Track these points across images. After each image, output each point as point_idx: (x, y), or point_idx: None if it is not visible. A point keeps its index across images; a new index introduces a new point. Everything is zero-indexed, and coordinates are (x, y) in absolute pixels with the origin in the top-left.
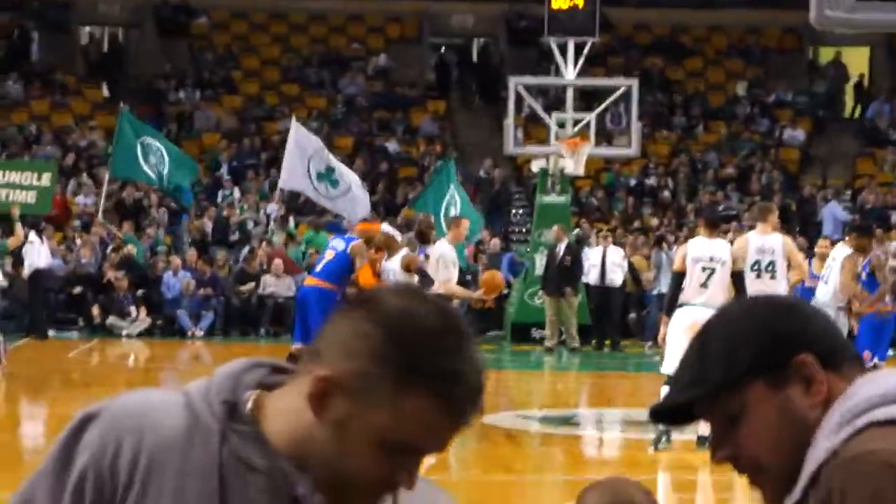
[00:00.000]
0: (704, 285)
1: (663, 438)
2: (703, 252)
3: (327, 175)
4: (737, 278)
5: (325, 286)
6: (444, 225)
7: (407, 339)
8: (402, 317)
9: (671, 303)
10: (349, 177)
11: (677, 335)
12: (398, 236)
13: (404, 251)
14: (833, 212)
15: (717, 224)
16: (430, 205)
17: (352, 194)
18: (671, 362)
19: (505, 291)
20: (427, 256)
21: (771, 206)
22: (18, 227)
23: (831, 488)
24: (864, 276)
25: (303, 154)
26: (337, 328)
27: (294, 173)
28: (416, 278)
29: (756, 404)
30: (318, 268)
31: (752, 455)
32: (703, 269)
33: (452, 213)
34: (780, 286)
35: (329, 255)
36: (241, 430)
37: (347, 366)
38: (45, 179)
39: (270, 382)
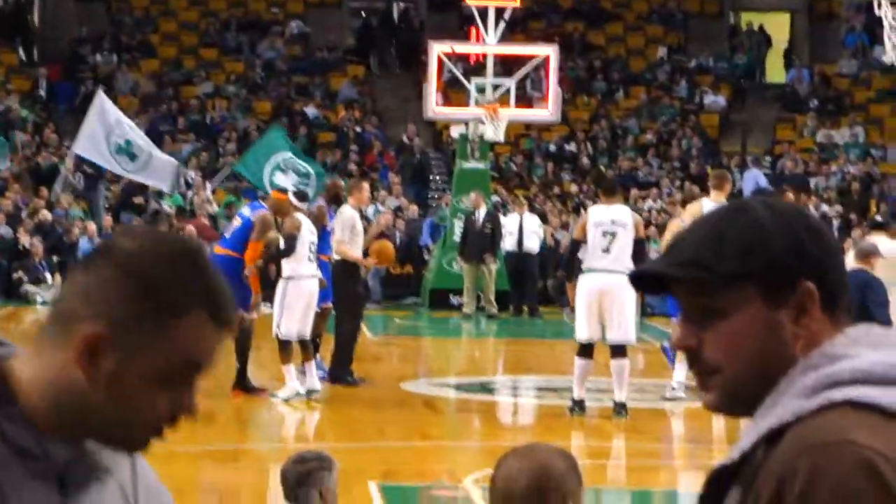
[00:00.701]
0: (607, 250)
1: (577, 408)
2: (603, 216)
3: (126, 148)
4: (638, 246)
5: (231, 254)
6: (268, 187)
7: (152, 273)
8: (141, 254)
9: (570, 269)
10: (147, 147)
11: (584, 300)
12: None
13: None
14: (755, 178)
15: (615, 190)
16: (251, 169)
17: (151, 167)
18: (582, 328)
19: (427, 258)
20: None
21: (726, 174)
22: None
23: (794, 471)
24: None
25: (103, 125)
26: (81, 284)
27: (92, 142)
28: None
29: (742, 310)
30: (227, 235)
31: (715, 356)
32: (605, 233)
33: (281, 179)
34: None
35: (236, 222)
36: (9, 413)
37: (105, 318)
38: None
39: None
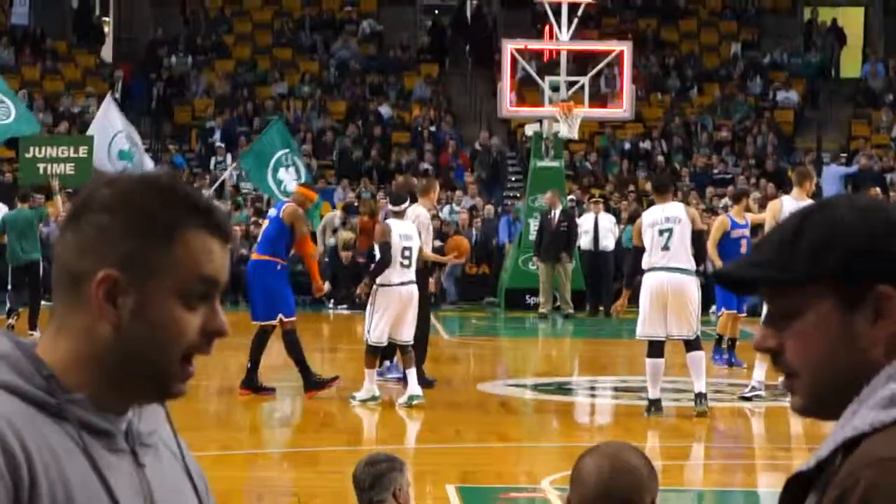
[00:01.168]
0: (665, 247)
1: (653, 407)
2: (656, 216)
3: (129, 155)
4: (697, 238)
5: (262, 258)
6: (273, 188)
7: (140, 204)
8: (124, 192)
9: (630, 277)
10: (145, 161)
11: (647, 298)
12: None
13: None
14: (835, 172)
15: (667, 188)
16: (253, 165)
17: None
18: (643, 327)
19: (502, 258)
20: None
21: (808, 171)
22: (58, 198)
23: (856, 482)
24: None
25: (108, 129)
26: (73, 246)
27: (97, 145)
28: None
29: (816, 311)
30: (259, 238)
31: (792, 358)
32: (661, 231)
33: (283, 175)
34: None
35: (264, 224)
36: (77, 400)
37: (110, 261)
38: (82, 152)
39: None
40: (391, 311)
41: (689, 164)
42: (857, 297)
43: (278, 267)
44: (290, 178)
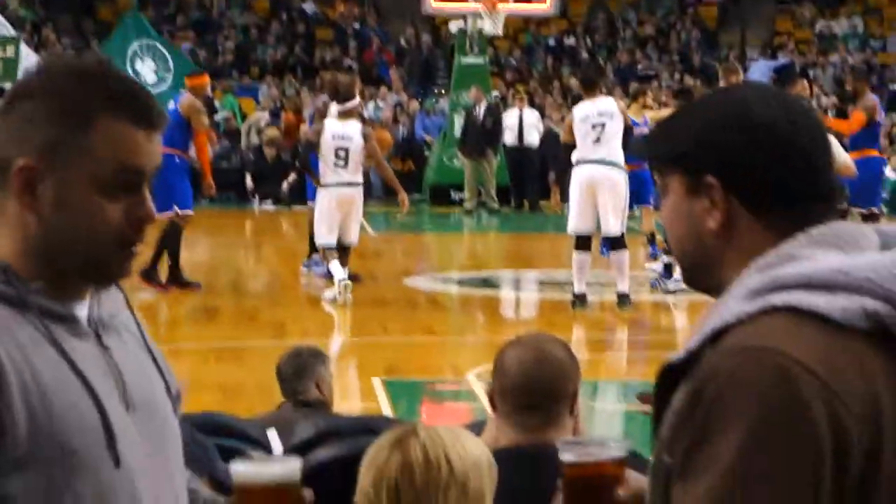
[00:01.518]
0: (597, 141)
1: (578, 301)
2: (588, 111)
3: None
4: (625, 134)
5: (167, 151)
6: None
7: (59, 89)
8: (49, 77)
9: (561, 172)
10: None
11: (577, 193)
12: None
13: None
14: (764, 66)
15: (595, 84)
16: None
17: None
18: (575, 220)
19: (426, 154)
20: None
21: (735, 67)
22: None
23: (715, 372)
24: None
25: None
26: (4, 130)
27: None
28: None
29: (673, 193)
30: None
31: (665, 227)
32: (593, 126)
33: (140, 67)
34: None
35: None
36: (35, 289)
37: (29, 149)
38: (9, 52)
39: None
40: (328, 211)
41: (613, 59)
42: (695, 184)
43: (177, 160)
44: (148, 70)
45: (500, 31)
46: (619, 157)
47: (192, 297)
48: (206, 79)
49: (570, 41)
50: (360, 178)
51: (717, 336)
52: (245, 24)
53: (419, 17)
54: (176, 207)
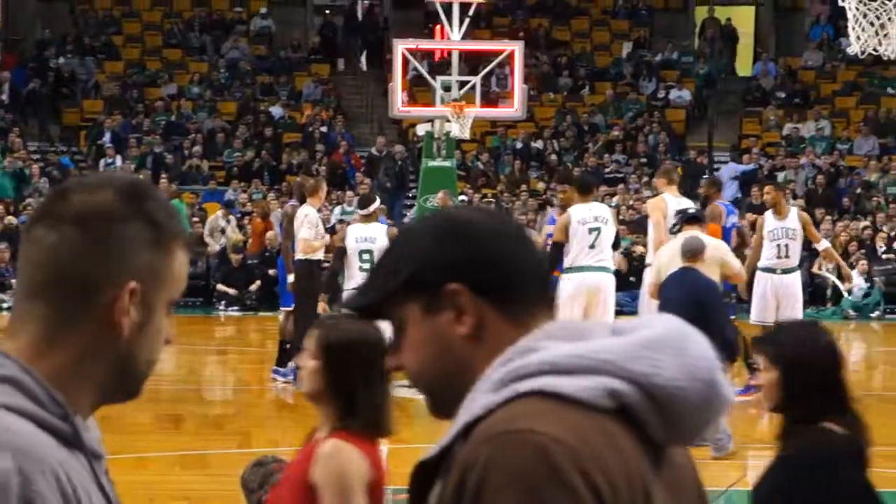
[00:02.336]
0: (592, 246)
1: None
2: (585, 214)
3: None
4: (616, 240)
5: None
6: None
7: (155, 212)
8: (134, 200)
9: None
10: None
11: (570, 299)
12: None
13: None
14: (734, 169)
15: (591, 188)
16: None
17: None
18: None
19: None
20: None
21: (669, 168)
22: None
23: (475, 460)
24: None
25: None
26: (82, 248)
27: None
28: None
29: (410, 322)
30: None
31: (407, 367)
32: (590, 230)
33: None
34: None
35: None
36: (80, 424)
37: (133, 268)
38: None
39: None
40: None
41: (580, 163)
42: (436, 301)
43: None
44: None
45: (467, 135)
46: (610, 261)
47: (157, 405)
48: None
49: (537, 144)
50: None
51: (468, 430)
52: (212, 127)
53: (386, 120)
54: None
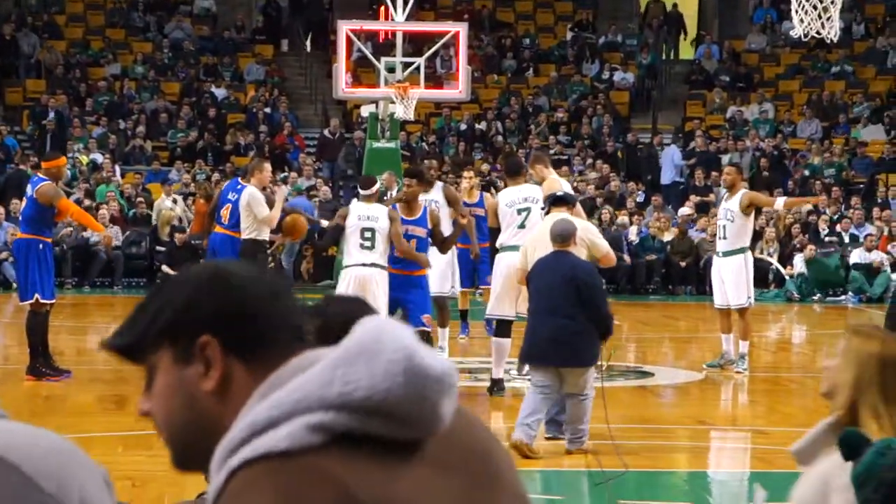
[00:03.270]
0: (522, 226)
1: (496, 387)
2: (513, 196)
3: None
4: None
5: (26, 237)
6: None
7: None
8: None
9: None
10: None
11: (504, 278)
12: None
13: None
14: (672, 155)
15: (520, 171)
16: None
17: None
18: (496, 306)
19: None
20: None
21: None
22: None
23: None
24: None
25: None
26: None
27: None
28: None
29: (161, 370)
30: (21, 220)
31: (154, 415)
32: (519, 210)
33: None
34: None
35: (23, 203)
36: None
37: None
38: None
39: None
40: (350, 291)
41: (525, 145)
42: (187, 352)
43: (41, 246)
44: None
45: (411, 116)
46: None
47: (100, 385)
48: (63, 161)
49: (481, 126)
50: (384, 261)
51: None
52: (155, 108)
53: (330, 101)
54: (37, 295)
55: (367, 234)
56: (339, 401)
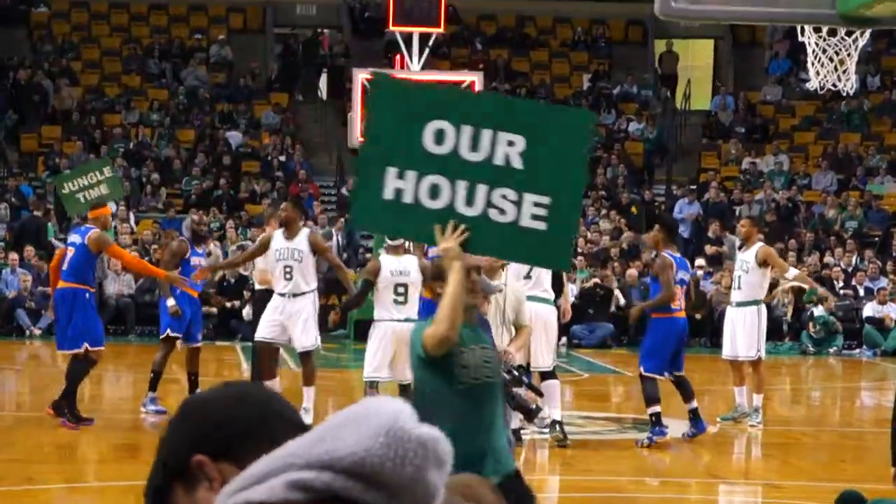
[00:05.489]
0: (528, 276)
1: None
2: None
3: None
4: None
5: (70, 286)
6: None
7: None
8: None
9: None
10: None
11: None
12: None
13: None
14: (681, 209)
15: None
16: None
17: None
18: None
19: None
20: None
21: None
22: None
23: None
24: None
25: None
26: None
27: None
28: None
29: (178, 496)
30: (65, 266)
31: None
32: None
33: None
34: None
35: (70, 251)
36: None
37: None
38: (108, 172)
39: None
40: (384, 347)
41: None
42: (191, 478)
43: (87, 295)
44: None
45: None
46: (550, 292)
47: (113, 434)
48: (108, 210)
49: None
50: (416, 314)
51: None
52: (169, 155)
53: (345, 149)
54: (86, 344)
55: (401, 290)
56: (323, 459)
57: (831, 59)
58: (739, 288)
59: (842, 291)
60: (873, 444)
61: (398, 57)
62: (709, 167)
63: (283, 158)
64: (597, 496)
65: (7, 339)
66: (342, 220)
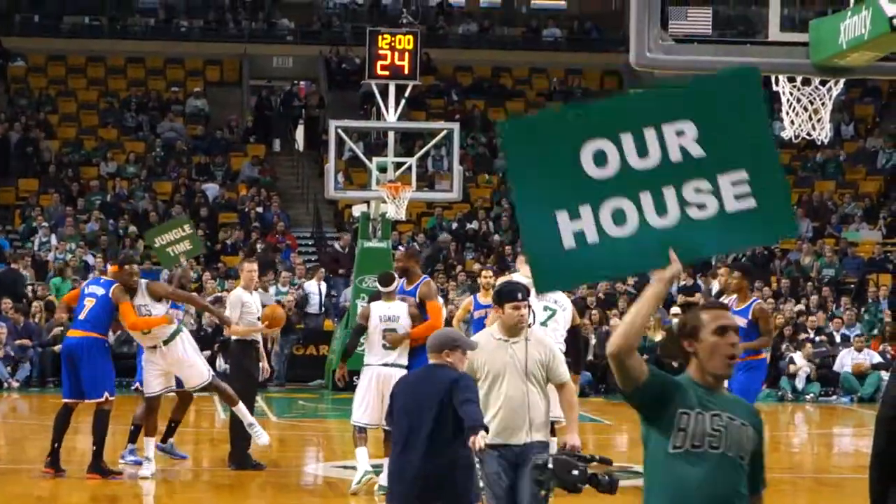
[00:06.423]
0: (545, 324)
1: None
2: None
3: None
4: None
5: (90, 335)
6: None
7: None
8: None
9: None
10: None
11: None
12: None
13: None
14: None
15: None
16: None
17: None
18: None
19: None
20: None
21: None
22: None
23: None
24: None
25: None
26: None
27: None
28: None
29: None
30: (82, 316)
31: None
32: (544, 308)
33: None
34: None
35: (90, 302)
36: None
37: None
38: (188, 228)
39: None
40: (372, 391)
41: (517, 244)
42: None
43: (105, 345)
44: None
45: (403, 216)
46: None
47: (93, 485)
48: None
49: (473, 225)
50: (405, 360)
51: None
52: (146, 208)
53: (322, 200)
54: (107, 393)
55: (389, 336)
56: None
57: (805, 109)
58: None
59: (817, 339)
60: (851, 489)
61: (374, 108)
62: None
63: (260, 210)
64: None
65: None
66: (321, 270)
